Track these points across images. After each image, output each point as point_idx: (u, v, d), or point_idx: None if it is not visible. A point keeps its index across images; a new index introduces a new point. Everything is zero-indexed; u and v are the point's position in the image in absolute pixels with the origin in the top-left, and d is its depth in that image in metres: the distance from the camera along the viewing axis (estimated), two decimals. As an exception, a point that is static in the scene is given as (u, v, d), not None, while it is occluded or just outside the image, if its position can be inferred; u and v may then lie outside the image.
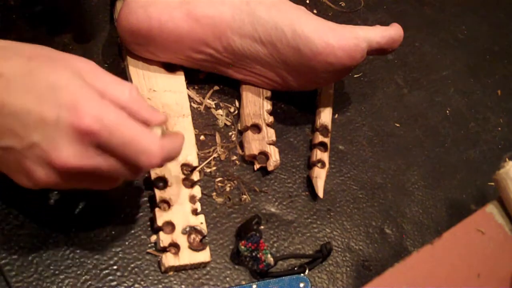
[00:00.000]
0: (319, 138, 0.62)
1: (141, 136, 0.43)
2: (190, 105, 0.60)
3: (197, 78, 0.62)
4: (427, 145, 0.69)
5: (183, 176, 0.55)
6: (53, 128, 0.41)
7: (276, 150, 0.60)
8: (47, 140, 0.41)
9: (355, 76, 0.70)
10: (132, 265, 0.51)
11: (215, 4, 0.57)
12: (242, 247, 0.53)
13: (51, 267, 0.49)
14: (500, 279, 0.54)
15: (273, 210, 0.58)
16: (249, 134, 0.60)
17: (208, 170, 0.58)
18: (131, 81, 0.58)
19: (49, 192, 0.52)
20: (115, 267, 0.51)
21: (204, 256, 0.52)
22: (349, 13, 0.75)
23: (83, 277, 0.50)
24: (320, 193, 0.59)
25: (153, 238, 0.53)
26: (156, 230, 0.53)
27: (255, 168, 0.59)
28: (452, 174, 0.68)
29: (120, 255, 0.52)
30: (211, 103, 0.62)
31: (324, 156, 0.62)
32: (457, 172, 0.68)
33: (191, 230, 0.53)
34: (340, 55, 0.57)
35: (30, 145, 0.41)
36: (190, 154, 0.57)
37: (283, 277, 0.54)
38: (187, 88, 0.61)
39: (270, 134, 0.60)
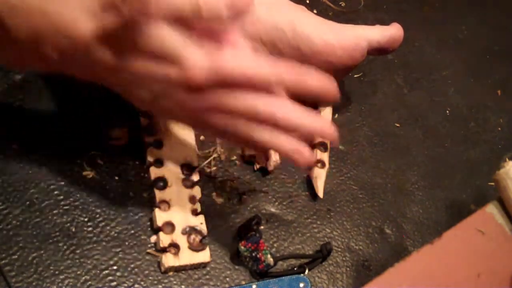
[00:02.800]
0: (319, 138, 0.62)
1: None
2: (190, 105, 0.60)
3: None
4: (427, 145, 0.69)
5: (183, 176, 0.55)
6: None
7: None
8: None
9: (355, 76, 0.70)
10: (132, 265, 0.51)
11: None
12: (242, 247, 0.53)
13: (51, 267, 0.49)
14: (500, 279, 0.54)
15: (273, 210, 0.58)
16: (249, 134, 0.60)
17: (208, 170, 0.58)
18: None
19: (49, 192, 0.52)
20: (115, 267, 0.51)
21: (204, 256, 0.52)
22: (349, 13, 0.75)
23: (83, 277, 0.50)
24: (320, 193, 0.59)
25: (153, 238, 0.53)
26: (156, 230, 0.53)
27: (255, 168, 0.59)
28: (452, 174, 0.67)
29: (120, 255, 0.52)
30: (211, 103, 0.62)
31: (324, 156, 0.61)
32: (457, 172, 0.68)
33: (191, 231, 0.53)
34: (341, 54, 0.57)
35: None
36: (189, 154, 0.57)
37: (283, 277, 0.54)
38: (187, 88, 0.61)
39: (270, 134, 0.60)
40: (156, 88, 0.44)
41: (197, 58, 0.42)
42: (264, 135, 0.46)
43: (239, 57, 0.44)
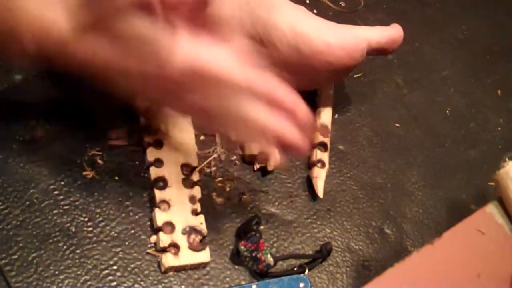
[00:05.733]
0: (319, 138, 0.62)
1: None
2: (190, 105, 0.60)
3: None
4: (427, 145, 0.69)
5: (183, 176, 0.55)
6: None
7: (276, 150, 0.60)
8: None
9: (355, 76, 0.70)
10: (132, 265, 0.52)
11: (214, 3, 0.57)
12: (242, 247, 0.53)
13: (51, 267, 0.49)
14: (500, 279, 0.54)
15: (273, 210, 0.58)
16: (249, 134, 0.60)
17: (208, 170, 0.58)
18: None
19: (49, 192, 0.52)
20: (115, 267, 0.51)
21: (204, 256, 0.52)
22: (349, 13, 0.75)
23: (83, 277, 0.50)
24: (320, 193, 0.59)
25: (153, 238, 0.53)
26: (156, 230, 0.53)
27: (255, 168, 0.59)
28: (452, 174, 0.67)
29: (120, 255, 0.52)
30: (211, 103, 0.62)
31: (324, 156, 0.62)
32: (457, 172, 0.68)
33: (191, 231, 0.53)
34: (340, 54, 0.57)
35: None
36: (190, 154, 0.57)
37: (283, 277, 0.54)
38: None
39: (270, 134, 0.60)
40: (136, 80, 0.45)
41: (171, 51, 0.44)
42: (235, 132, 0.48)
43: (221, 57, 0.45)
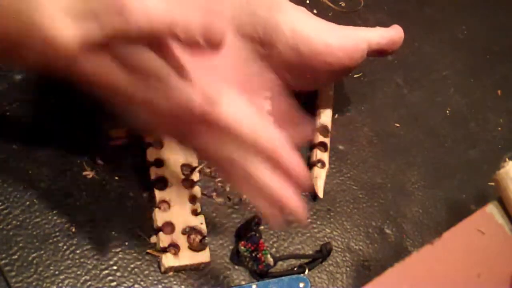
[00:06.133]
0: (319, 138, 0.62)
1: None
2: (190, 105, 0.60)
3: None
4: (427, 145, 0.69)
5: (183, 177, 0.55)
6: None
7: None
8: None
9: (355, 76, 0.70)
10: (132, 266, 0.52)
11: (214, 3, 0.57)
12: (242, 247, 0.53)
13: (51, 267, 0.49)
14: (500, 279, 0.54)
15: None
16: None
17: (208, 170, 0.58)
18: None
19: (49, 192, 0.52)
20: (115, 267, 0.51)
21: (204, 256, 0.52)
22: (349, 13, 0.75)
23: (83, 278, 0.50)
24: (320, 193, 0.59)
25: (153, 238, 0.53)
26: (156, 230, 0.53)
27: (255, 168, 0.59)
28: (452, 174, 0.67)
29: (120, 255, 0.52)
30: (211, 103, 0.62)
31: (324, 156, 0.62)
32: (457, 172, 0.68)
33: (191, 231, 0.53)
34: (340, 55, 0.57)
35: None
36: (189, 154, 0.57)
37: (283, 277, 0.54)
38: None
39: (270, 134, 0.60)
40: (141, 107, 0.43)
41: (187, 91, 0.42)
42: (236, 184, 0.46)
43: (236, 108, 0.44)
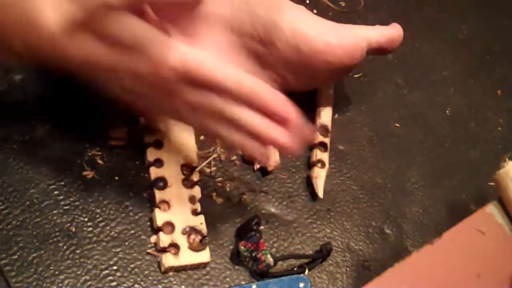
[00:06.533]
0: (319, 138, 0.62)
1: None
2: (190, 105, 0.60)
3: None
4: (427, 145, 0.69)
5: (183, 177, 0.55)
6: None
7: (276, 150, 0.60)
8: None
9: (355, 76, 0.70)
10: (132, 265, 0.52)
11: (214, 3, 0.57)
12: (242, 247, 0.53)
13: (51, 267, 0.49)
14: (500, 279, 0.54)
15: (273, 210, 0.58)
16: (249, 134, 0.60)
17: (208, 170, 0.58)
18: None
19: (49, 192, 0.52)
20: (115, 267, 0.51)
21: (204, 256, 0.52)
22: (349, 13, 0.75)
23: (83, 278, 0.50)
24: (320, 193, 0.59)
25: (153, 238, 0.53)
26: (156, 230, 0.53)
27: (255, 168, 0.59)
28: (452, 174, 0.67)
29: (120, 255, 0.52)
30: (211, 103, 0.62)
31: (324, 156, 0.62)
32: (457, 172, 0.68)
33: (191, 231, 0.53)
34: (340, 54, 0.57)
35: None
36: (190, 154, 0.57)
37: (283, 277, 0.54)
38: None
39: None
40: (126, 79, 0.45)
41: (165, 51, 0.43)
42: (222, 129, 0.47)
43: (213, 58, 0.45)
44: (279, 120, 0.47)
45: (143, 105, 0.49)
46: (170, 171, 0.55)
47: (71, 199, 0.53)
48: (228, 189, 0.58)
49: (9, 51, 0.43)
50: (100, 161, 0.55)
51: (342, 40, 0.57)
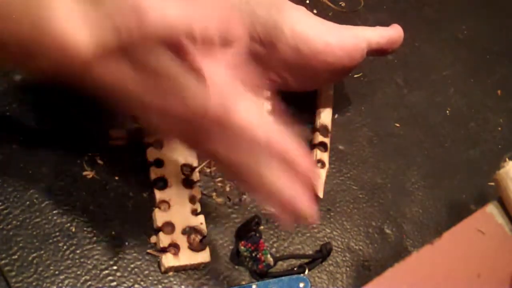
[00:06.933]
0: (319, 138, 0.62)
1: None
2: (190, 105, 0.60)
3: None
4: (427, 145, 0.69)
5: (183, 177, 0.55)
6: None
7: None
8: None
9: (355, 76, 0.70)
10: (132, 265, 0.52)
11: (214, 3, 0.57)
12: (242, 247, 0.53)
13: (51, 267, 0.49)
14: (500, 279, 0.54)
15: (273, 210, 0.58)
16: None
17: (208, 170, 0.58)
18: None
19: (49, 192, 0.52)
20: (115, 267, 0.51)
21: (204, 256, 0.52)
22: (349, 13, 0.75)
23: (83, 278, 0.50)
24: (320, 193, 0.59)
25: (153, 238, 0.53)
26: (156, 230, 0.53)
27: (255, 168, 0.59)
28: (452, 174, 0.67)
29: (120, 255, 0.52)
30: (211, 103, 0.61)
31: (324, 156, 0.62)
32: (457, 172, 0.68)
33: (191, 231, 0.53)
34: (340, 55, 0.57)
35: None
36: (189, 154, 0.57)
37: (283, 277, 0.54)
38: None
39: (270, 134, 0.60)
40: (155, 111, 0.43)
41: (203, 97, 0.41)
42: (248, 186, 0.46)
43: (250, 112, 0.43)
44: (300, 178, 0.45)
45: (169, 135, 0.48)
46: (170, 171, 0.55)
47: (71, 199, 0.52)
48: (228, 189, 0.58)
49: (33, 69, 0.41)
50: (100, 161, 0.55)
51: (342, 41, 0.57)
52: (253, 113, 0.43)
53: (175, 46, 0.39)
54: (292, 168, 0.44)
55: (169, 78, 0.40)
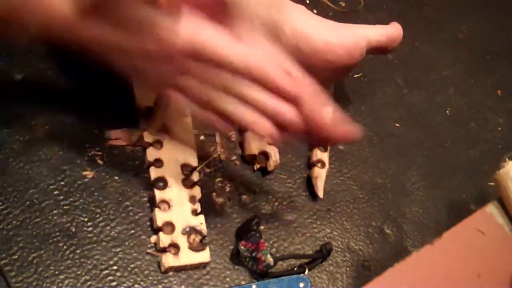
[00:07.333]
0: (319, 138, 0.62)
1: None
2: (190, 105, 0.60)
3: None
4: (427, 145, 0.69)
5: (183, 177, 0.55)
6: None
7: (276, 150, 0.60)
8: None
9: (355, 76, 0.70)
10: (132, 265, 0.51)
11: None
12: (242, 247, 0.53)
13: (51, 267, 0.49)
14: (500, 279, 0.54)
15: (273, 210, 0.58)
16: (249, 134, 0.60)
17: (208, 170, 0.58)
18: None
19: (49, 192, 0.52)
20: (115, 267, 0.51)
21: (204, 256, 0.52)
22: (349, 13, 0.75)
23: (83, 278, 0.50)
24: (320, 193, 0.59)
25: (153, 238, 0.53)
26: (156, 230, 0.53)
27: (255, 168, 0.59)
28: (452, 174, 0.67)
29: (120, 255, 0.52)
30: (211, 103, 0.62)
31: (324, 156, 0.62)
32: (457, 172, 0.68)
33: (191, 231, 0.53)
34: (340, 53, 0.57)
35: None
36: (189, 154, 0.57)
37: (283, 277, 0.54)
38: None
39: (270, 134, 0.60)
40: (135, 58, 0.46)
41: (172, 31, 0.44)
42: (228, 105, 0.47)
43: (221, 36, 0.45)
44: (289, 99, 0.46)
45: (152, 80, 0.50)
46: (170, 171, 0.55)
47: (71, 199, 0.53)
48: (228, 189, 0.58)
49: (21, 31, 0.45)
50: (100, 161, 0.55)
51: (342, 39, 0.57)
52: (227, 40, 0.46)
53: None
54: (275, 88, 0.46)
55: (141, 21, 0.44)
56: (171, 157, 0.56)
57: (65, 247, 0.50)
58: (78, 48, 0.46)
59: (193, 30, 0.45)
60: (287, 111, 0.47)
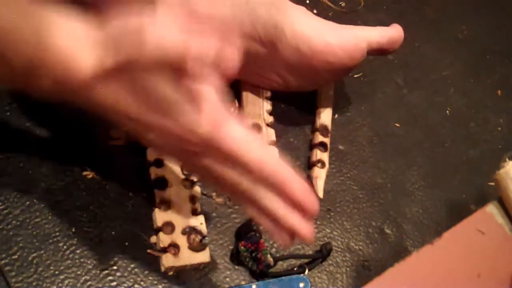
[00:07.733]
0: (319, 138, 0.62)
1: None
2: (190, 105, 0.60)
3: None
4: (427, 145, 0.69)
5: (183, 177, 0.55)
6: None
7: (276, 150, 0.60)
8: None
9: (355, 76, 0.70)
10: (132, 265, 0.52)
11: (215, 3, 0.57)
12: (242, 247, 0.53)
13: (51, 267, 0.49)
14: (500, 279, 0.54)
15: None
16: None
17: (208, 170, 0.58)
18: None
19: (49, 192, 0.52)
20: (115, 267, 0.51)
21: (203, 256, 0.52)
22: (349, 13, 0.75)
23: (83, 278, 0.50)
24: (320, 193, 0.59)
25: (153, 238, 0.53)
26: (156, 230, 0.53)
27: (255, 168, 0.59)
28: (452, 174, 0.67)
29: (120, 255, 0.52)
30: (211, 103, 0.61)
31: (324, 156, 0.62)
32: (457, 172, 0.68)
33: (191, 231, 0.53)
34: (340, 54, 0.57)
35: None
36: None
37: (283, 277, 0.54)
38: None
39: (270, 134, 0.60)
40: (151, 132, 0.44)
41: (196, 120, 0.42)
42: (245, 204, 0.47)
43: (239, 134, 0.44)
44: (297, 206, 0.45)
45: (165, 152, 0.50)
46: (170, 171, 0.55)
47: (71, 199, 0.53)
48: (228, 189, 0.58)
49: (35, 87, 0.41)
50: (100, 161, 0.55)
51: (343, 40, 0.57)
52: (245, 136, 0.44)
53: (172, 69, 0.40)
54: (286, 194, 0.45)
55: (165, 100, 0.41)
56: (171, 157, 0.56)
57: (65, 247, 0.51)
58: (92, 108, 0.43)
59: (215, 122, 0.42)
60: (298, 224, 0.45)
